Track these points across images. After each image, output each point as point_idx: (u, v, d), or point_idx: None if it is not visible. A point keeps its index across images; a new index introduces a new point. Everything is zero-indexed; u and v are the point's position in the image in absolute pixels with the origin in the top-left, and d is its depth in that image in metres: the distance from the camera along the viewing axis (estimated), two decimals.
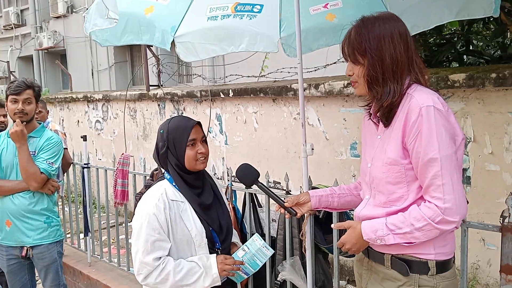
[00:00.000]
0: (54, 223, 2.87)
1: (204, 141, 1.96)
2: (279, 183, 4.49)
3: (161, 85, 5.74)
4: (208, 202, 1.96)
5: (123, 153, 3.81)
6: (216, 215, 1.99)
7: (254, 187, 2.08)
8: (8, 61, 12.57)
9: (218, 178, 4.92)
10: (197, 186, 1.95)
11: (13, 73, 10.84)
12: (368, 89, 1.63)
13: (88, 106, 6.95)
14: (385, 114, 1.60)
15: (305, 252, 2.23)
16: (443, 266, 1.59)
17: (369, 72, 1.58)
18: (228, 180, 2.84)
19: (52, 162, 2.78)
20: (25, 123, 2.70)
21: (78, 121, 7.22)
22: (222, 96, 4.75)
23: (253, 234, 2.11)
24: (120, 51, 12.22)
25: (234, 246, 2.11)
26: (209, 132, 4.98)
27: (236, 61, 6.09)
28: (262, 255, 2.01)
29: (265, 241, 2.05)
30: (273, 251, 2.02)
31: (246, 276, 2.02)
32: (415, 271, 1.59)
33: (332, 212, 2.27)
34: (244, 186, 2.46)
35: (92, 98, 6.79)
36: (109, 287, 3.76)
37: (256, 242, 2.02)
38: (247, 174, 2.01)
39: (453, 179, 1.48)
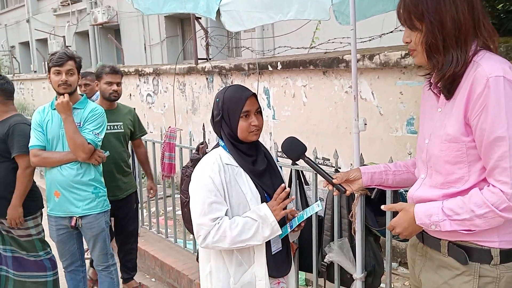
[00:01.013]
0: (102, 193, 2.90)
1: (259, 112, 1.91)
2: (328, 159, 4.33)
3: (210, 59, 5.67)
4: (261, 168, 1.92)
5: (170, 126, 3.80)
6: (271, 181, 1.95)
7: (301, 163, 1.95)
8: (64, 36, 12.95)
9: None
10: (250, 155, 1.92)
11: (68, 47, 11.15)
12: (427, 58, 1.44)
13: (139, 80, 7.03)
14: (447, 86, 1.41)
15: (355, 234, 2.09)
16: (509, 255, 1.41)
17: (428, 38, 1.40)
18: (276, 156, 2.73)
19: (98, 133, 2.78)
20: (68, 94, 2.69)
21: (130, 95, 7.34)
22: (270, 69, 4.61)
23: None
24: (171, 25, 12.27)
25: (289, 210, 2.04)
26: None
27: (286, 32, 5.89)
28: (311, 210, 1.90)
29: (311, 220, 1.93)
30: (320, 208, 1.89)
31: (289, 230, 1.94)
32: (475, 260, 1.42)
33: (385, 192, 2.12)
34: (291, 162, 2.34)
35: (143, 72, 6.86)
36: (156, 258, 3.82)
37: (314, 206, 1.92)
38: (294, 148, 1.89)
39: None
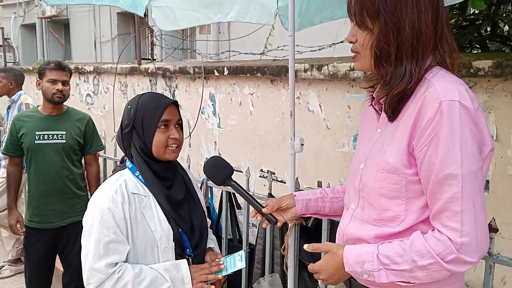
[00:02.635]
0: None
1: (180, 125, 1.63)
2: (274, 173, 4.09)
3: (154, 59, 5.31)
4: (178, 197, 1.61)
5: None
6: (188, 214, 1.64)
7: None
8: (2, 28, 12.06)
9: None
10: (166, 178, 1.61)
11: (7, 40, 10.39)
12: (375, 67, 1.20)
13: (79, 78, 6.55)
14: (393, 104, 1.17)
15: (287, 269, 1.83)
16: None
17: (379, 42, 1.16)
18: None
19: None
20: None
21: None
22: (216, 74, 4.32)
23: (229, 239, 1.73)
24: (124, 22, 11.79)
25: (211, 253, 1.74)
26: (201, 113, 4.56)
27: (241, 35, 5.59)
28: (232, 264, 1.63)
29: (242, 249, 1.66)
30: (242, 266, 1.63)
31: None
32: None
33: (322, 220, 1.87)
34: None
35: (83, 70, 6.39)
36: None
37: (237, 253, 1.65)
38: (218, 170, 1.60)
39: (475, 205, 1.07)
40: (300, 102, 3.76)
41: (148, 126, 1.55)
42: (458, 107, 1.06)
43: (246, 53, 4.47)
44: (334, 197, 1.56)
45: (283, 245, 1.82)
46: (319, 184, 2.28)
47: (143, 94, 1.64)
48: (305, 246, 1.37)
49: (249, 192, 1.58)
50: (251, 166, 4.25)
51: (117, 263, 1.49)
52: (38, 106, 2.97)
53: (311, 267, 1.32)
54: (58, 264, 3.03)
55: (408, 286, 1.16)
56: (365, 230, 1.26)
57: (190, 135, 4.67)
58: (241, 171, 3.60)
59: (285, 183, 4.03)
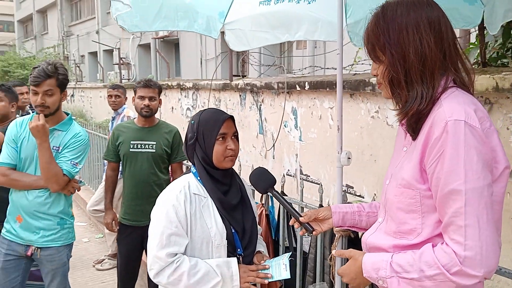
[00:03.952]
0: (68, 225, 2.58)
1: (236, 137, 1.80)
2: (352, 187, 4.08)
3: (243, 76, 5.61)
4: (233, 201, 1.79)
5: None
6: (241, 217, 1.81)
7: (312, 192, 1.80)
8: (119, 48, 13.43)
9: (290, 176, 4.68)
10: (224, 183, 1.79)
11: (123, 59, 11.58)
12: (391, 93, 1.29)
13: (181, 94, 7.14)
14: (412, 124, 1.24)
15: (334, 280, 1.89)
16: None
17: (390, 72, 1.25)
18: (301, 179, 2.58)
19: (76, 163, 2.47)
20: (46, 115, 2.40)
21: (172, 108, 7.46)
22: (298, 88, 4.45)
23: (286, 247, 1.85)
24: (220, 40, 12.47)
25: (258, 254, 1.88)
26: (284, 126, 4.72)
27: (336, 48, 5.63)
28: (278, 272, 1.74)
29: (296, 256, 1.76)
30: (287, 277, 1.73)
31: None
32: None
33: None
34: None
35: (184, 86, 6.95)
36: None
37: (282, 258, 1.77)
38: (261, 179, 1.74)
39: (480, 221, 1.09)
40: (379, 116, 3.73)
41: (208, 138, 1.74)
42: (463, 126, 1.10)
43: (328, 68, 4.54)
44: (370, 212, 1.61)
45: (330, 255, 1.88)
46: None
47: (204, 110, 1.85)
48: (333, 252, 1.46)
49: (289, 202, 1.69)
50: (330, 179, 4.29)
51: (176, 254, 1.66)
52: (134, 118, 3.37)
53: (338, 270, 1.42)
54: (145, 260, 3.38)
55: None
56: (385, 240, 1.32)
57: (273, 146, 4.85)
58: (318, 183, 3.68)
59: (363, 197, 4.01)
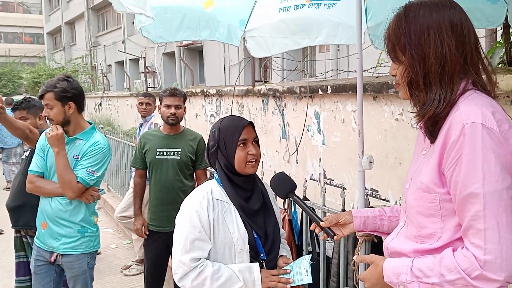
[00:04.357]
0: (89, 233, 2.62)
1: (256, 142, 1.83)
2: (377, 191, 4.03)
3: (266, 81, 5.64)
4: (255, 207, 1.82)
5: None
6: (263, 222, 1.84)
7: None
8: (144, 57, 13.62)
9: (314, 180, 4.66)
10: (246, 189, 1.83)
11: (149, 68, 11.76)
12: (409, 94, 1.29)
13: (204, 100, 7.21)
14: (429, 127, 1.25)
15: (357, 284, 1.88)
16: None
17: (409, 73, 1.25)
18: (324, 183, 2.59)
19: (93, 171, 2.52)
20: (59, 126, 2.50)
21: (197, 115, 7.55)
22: (320, 92, 4.45)
23: (309, 252, 1.86)
24: (241, 47, 12.53)
25: (282, 257, 1.90)
26: (307, 131, 4.72)
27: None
28: (299, 277, 1.75)
29: (318, 260, 1.79)
30: (309, 281, 1.73)
31: None
32: None
33: None
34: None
35: (207, 93, 7.03)
36: None
37: (303, 260, 1.78)
38: (282, 184, 1.77)
39: (500, 224, 1.08)
40: (403, 118, 3.69)
41: (229, 145, 1.77)
42: (480, 129, 1.10)
43: (351, 71, 4.52)
44: (392, 216, 1.61)
45: (353, 260, 1.87)
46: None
47: (224, 118, 1.88)
48: (355, 257, 1.46)
49: (310, 207, 1.70)
50: (354, 183, 4.26)
51: (200, 259, 1.70)
52: (160, 126, 3.44)
53: (360, 276, 1.41)
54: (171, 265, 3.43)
55: None
56: (406, 245, 1.31)
57: (296, 151, 4.85)
58: (345, 188, 3.65)
59: (388, 201, 3.95)
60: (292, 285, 1.74)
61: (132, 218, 4.41)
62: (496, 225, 1.08)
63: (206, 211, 1.73)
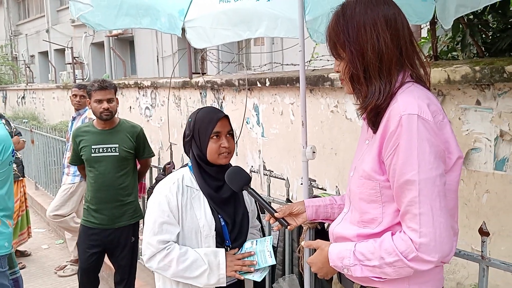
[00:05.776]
0: None
1: (231, 135, 1.89)
2: (314, 180, 4.16)
3: (203, 73, 5.59)
4: (224, 195, 1.88)
5: None
6: (233, 211, 1.91)
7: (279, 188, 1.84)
8: (71, 47, 12.99)
9: (254, 172, 4.71)
10: (217, 179, 1.88)
11: (76, 58, 11.21)
12: (352, 89, 1.36)
13: (139, 93, 7.01)
14: (372, 118, 1.32)
15: (303, 271, 1.94)
16: None
17: (350, 68, 1.31)
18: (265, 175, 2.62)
19: None
20: None
21: (130, 107, 7.32)
22: (259, 85, 4.49)
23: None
24: (183, 38, 12.32)
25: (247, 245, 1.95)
26: (246, 123, 4.75)
27: (293, 44, 5.71)
28: (263, 259, 1.80)
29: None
30: (273, 263, 1.80)
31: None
32: None
33: None
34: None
35: (142, 85, 6.84)
36: None
37: (265, 242, 1.85)
38: (237, 178, 1.79)
39: (434, 208, 1.17)
40: (338, 110, 3.83)
41: (203, 136, 1.83)
42: (416, 120, 1.18)
43: (287, 64, 4.60)
44: (342, 204, 1.66)
45: (298, 247, 1.93)
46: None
47: (201, 108, 1.92)
48: (302, 243, 1.53)
49: (264, 198, 1.74)
50: (293, 174, 4.36)
51: (168, 242, 1.77)
52: (93, 120, 3.23)
53: (308, 260, 1.49)
54: (110, 263, 3.32)
55: (381, 281, 1.28)
56: (350, 230, 1.39)
57: (236, 143, 4.87)
58: (283, 179, 3.72)
59: (325, 190, 4.10)
60: (256, 267, 1.80)
61: (66, 216, 4.21)
62: (430, 210, 1.17)
63: (175, 196, 1.80)
